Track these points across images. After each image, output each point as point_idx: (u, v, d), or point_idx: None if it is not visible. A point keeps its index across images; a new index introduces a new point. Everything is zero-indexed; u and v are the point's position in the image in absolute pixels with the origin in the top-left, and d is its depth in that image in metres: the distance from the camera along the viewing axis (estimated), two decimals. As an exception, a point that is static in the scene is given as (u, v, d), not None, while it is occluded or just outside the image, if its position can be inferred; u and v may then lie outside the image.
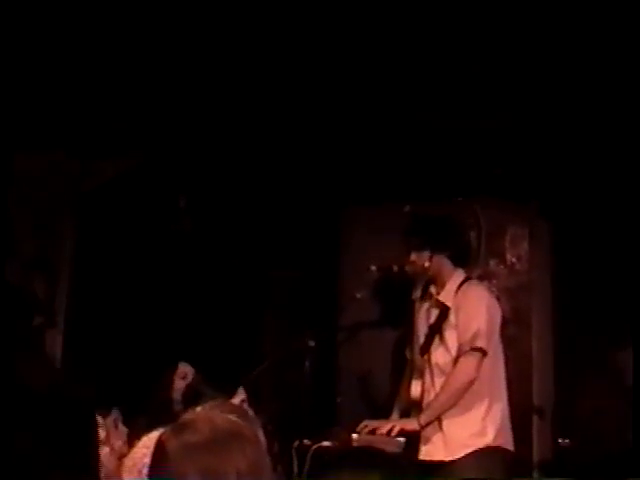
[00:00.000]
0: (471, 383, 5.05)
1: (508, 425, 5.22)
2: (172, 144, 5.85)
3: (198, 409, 2.88)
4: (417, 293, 5.40)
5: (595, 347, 5.91)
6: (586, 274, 5.98)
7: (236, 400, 4.63)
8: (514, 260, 5.95)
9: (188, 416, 2.60)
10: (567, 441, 5.77)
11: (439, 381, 5.18)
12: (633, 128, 5.62)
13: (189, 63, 5.40)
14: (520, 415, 5.63)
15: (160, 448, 2.41)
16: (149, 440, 2.82)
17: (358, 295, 5.62)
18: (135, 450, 3.01)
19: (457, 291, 5.21)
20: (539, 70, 5.39)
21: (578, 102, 5.56)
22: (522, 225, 5.98)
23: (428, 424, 5.07)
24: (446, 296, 5.23)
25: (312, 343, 5.41)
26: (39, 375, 3.62)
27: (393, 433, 5.05)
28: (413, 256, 5.26)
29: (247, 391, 4.61)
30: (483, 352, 5.07)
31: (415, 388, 5.24)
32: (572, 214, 5.98)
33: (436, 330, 5.23)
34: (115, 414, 4.37)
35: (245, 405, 4.40)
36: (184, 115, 5.72)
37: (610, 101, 5.49)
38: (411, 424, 5.09)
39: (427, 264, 5.21)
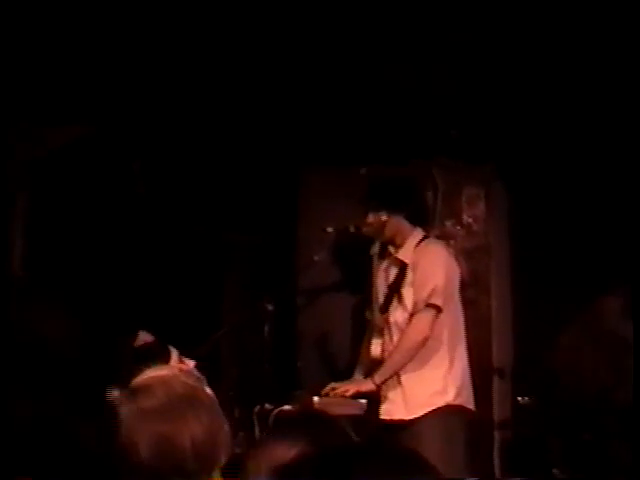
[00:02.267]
0: (425, 340, 5.05)
1: (469, 384, 5.24)
2: (126, 108, 5.78)
3: (149, 371, 2.83)
4: (375, 248, 5.38)
5: (553, 308, 5.93)
6: (543, 234, 6.00)
7: (174, 361, 4.63)
8: (470, 221, 5.95)
9: (142, 379, 2.54)
10: (527, 399, 5.80)
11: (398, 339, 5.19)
12: (586, 88, 5.63)
13: (140, 27, 5.34)
14: (480, 376, 5.65)
15: (112, 412, 2.37)
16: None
17: (316, 258, 5.61)
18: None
19: (415, 249, 5.22)
20: (495, 32, 5.38)
21: (533, 62, 5.56)
22: (478, 186, 5.98)
23: (383, 382, 5.08)
24: (404, 253, 5.23)
25: (271, 307, 5.40)
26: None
27: (348, 395, 5.05)
28: (370, 217, 5.25)
29: (202, 356, 4.57)
30: (438, 309, 5.08)
31: (375, 347, 5.24)
32: (528, 175, 5.99)
33: (395, 288, 5.23)
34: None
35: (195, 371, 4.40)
36: (138, 78, 5.65)
37: (563, 61, 5.49)
38: (366, 385, 5.09)
39: (384, 223, 5.20)
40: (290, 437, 2.49)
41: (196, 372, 3.10)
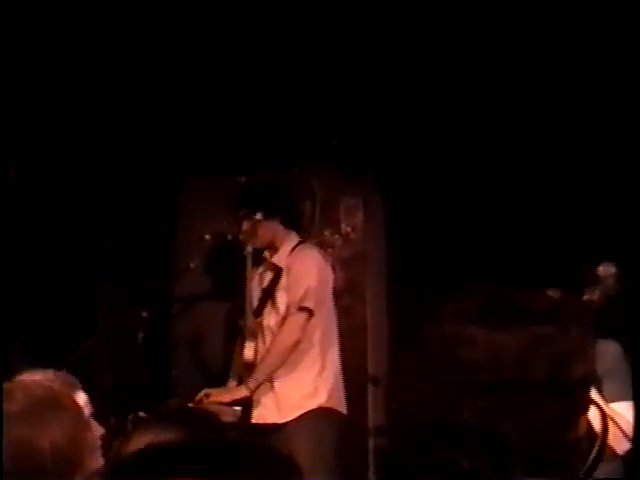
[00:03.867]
0: (297, 343, 5.07)
1: (341, 388, 5.28)
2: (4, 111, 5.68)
3: (18, 377, 2.80)
4: (249, 248, 5.36)
5: (427, 316, 6.01)
6: (418, 244, 6.08)
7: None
8: (349, 230, 6.01)
9: (6, 384, 2.52)
10: (400, 407, 5.86)
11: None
12: (464, 97, 5.72)
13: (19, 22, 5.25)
14: (355, 383, 5.71)
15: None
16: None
17: (192, 265, 5.60)
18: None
19: (290, 253, 5.25)
20: (374, 38, 5.43)
21: (411, 70, 5.62)
22: (356, 196, 6.04)
23: (257, 387, 5.08)
24: (279, 258, 5.26)
25: (145, 314, 5.36)
26: None
27: (223, 402, 5.03)
28: (245, 224, 5.26)
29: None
30: (310, 312, 5.10)
31: (248, 351, 5.22)
32: (405, 185, 6.06)
33: (269, 293, 5.26)
34: None
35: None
36: (16, 80, 5.56)
37: (442, 68, 5.57)
38: (240, 391, 5.08)
39: (259, 228, 5.22)
40: (165, 426, 2.49)
41: (71, 377, 3.07)
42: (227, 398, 5.05)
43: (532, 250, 5.66)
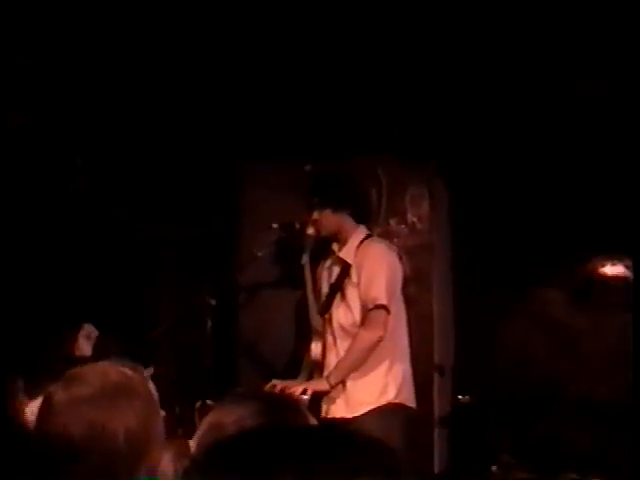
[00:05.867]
0: (379, 340, 5.06)
1: (410, 383, 5.26)
2: (67, 102, 5.73)
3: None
4: (305, 258, 5.38)
5: (494, 305, 5.96)
6: (484, 232, 6.03)
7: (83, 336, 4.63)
8: (415, 219, 5.97)
9: (79, 369, 2.54)
10: (467, 398, 5.83)
11: (341, 341, 5.18)
12: (528, 87, 5.67)
13: (86, 23, 5.30)
14: (421, 373, 5.68)
15: (47, 400, 2.35)
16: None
17: (259, 253, 5.59)
18: (33, 403, 2.96)
19: (358, 248, 5.22)
20: (436, 29, 5.40)
21: (474, 59, 5.59)
22: (422, 184, 5.99)
23: (338, 384, 5.08)
24: (347, 253, 5.23)
25: (213, 302, 5.37)
26: None
27: (307, 395, 5.03)
28: (315, 215, 5.25)
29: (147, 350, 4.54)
30: (387, 309, 5.09)
31: (315, 349, 5.24)
32: (469, 172, 6.02)
33: (337, 288, 5.23)
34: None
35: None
36: (80, 72, 5.61)
37: (505, 59, 5.53)
38: (322, 385, 5.08)
39: (329, 220, 5.21)
40: (245, 406, 2.47)
41: (138, 366, 3.09)
42: (310, 389, 5.04)
43: (599, 241, 5.57)
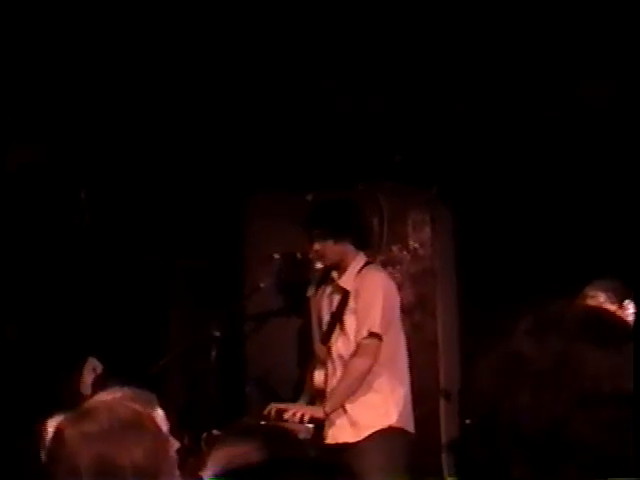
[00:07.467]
0: (370, 368, 5.12)
1: (410, 409, 5.31)
2: (73, 135, 5.77)
3: (102, 395, 2.86)
4: (311, 290, 5.43)
5: (498, 330, 5.98)
6: (487, 258, 6.06)
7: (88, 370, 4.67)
8: (417, 246, 6.00)
9: (90, 403, 2.58)
10: (474, 421, 5.84)
11: (342, 370, 5.24)
12: (529, 111, 5.70)
13: (83, 55, 5.34)
14: (428, 398, 5.71)
15: (57, 435, 2.39)
16: (51, 425, 2.81)
17: (262, 284, 5.63)
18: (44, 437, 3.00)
19: (357, 276, 5.26)
20: (438, 55, 5.43)
21: (474, 87, 5.62)
22: (424, 210, 6.03)
23: (333, 412, 5.13)
24: (346, 281, 5.28)
25: (217, 333, 5.41)
26: None
27: (305, 421, 5.07)
28: (317, 245, 5.28)
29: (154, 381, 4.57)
30: (379, 338, 5.14)
31: (318, 377, 5.29)
32: (471, 198, 6.05)
33: (337, 317, 5.28)
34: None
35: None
36: (86, 105, 5.65)
37: (505, 84, 5.57)
38: (318, 412, 5.13)
39: (330, 250, 5.25)
40: (250, 440, 2.58)
41: (149, 394, 3.13)
42: (307, 415, 5.07)
43: (605, 262, 5.59)
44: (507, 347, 1.50)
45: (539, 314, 1.50)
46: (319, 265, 5.36)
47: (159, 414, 3.08)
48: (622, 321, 1.55)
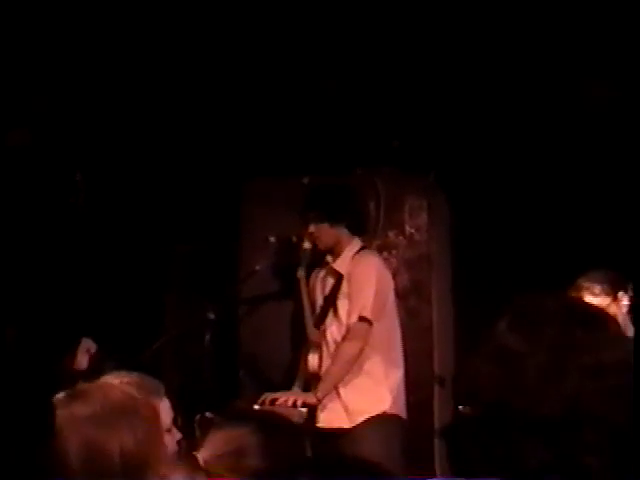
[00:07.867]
0: (360, 352, 5.11)
1: (403, 394, 5.31)
2: (68, 117, 5.76)
3: (108, 377, 2.84)
4: (301, 272, 5.41)
5: (493, 317, 5.97)
6: (483, 244, 6.06)
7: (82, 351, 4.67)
8: (413, 231, 5.99)
9: (83, 385, 2.56)
10: (467, 408, 5.85)
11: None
12: (526, 98, 5.70)
13: (79, 37, 5.33)
14: (422, 384, 5.71)
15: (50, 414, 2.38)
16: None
17: (257, 267, 5.62)
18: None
19: (352, 259, 5.26)
20: (434, 40, 5.43)
21: (473, 75, 5.61)
22: (420, 197, 6.02)
23: (324, 397, 5.12)
24: (340, 264, 5.27)
25: (212, 316, 5.40)
26: None
27: (297, 405, 5.06)
28: (312, 228, 5.28)
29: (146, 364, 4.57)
30: (369, 322, 5.14)
31: (312, 361, 5.28)
32: (468, 185, 6.05)
33: (331, 301, 5.28)
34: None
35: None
36: (80, 87, 5.64)
37: (501, 72, 5.56)
38: (310, 398, 5.12)
39: (325, 233, 5.24)
40: (244, 424, 2.60)
41: (156, 383, 3.10)
42: (299, 401, 5.06)
43: (601, 252, 5.59)
44: (500, 341, 1.55)
45: (523, 309, 1.60)
46: (307, 245, 5.34)
47: (165, 403, 3.05)
48: (596, 307, 1.70)
